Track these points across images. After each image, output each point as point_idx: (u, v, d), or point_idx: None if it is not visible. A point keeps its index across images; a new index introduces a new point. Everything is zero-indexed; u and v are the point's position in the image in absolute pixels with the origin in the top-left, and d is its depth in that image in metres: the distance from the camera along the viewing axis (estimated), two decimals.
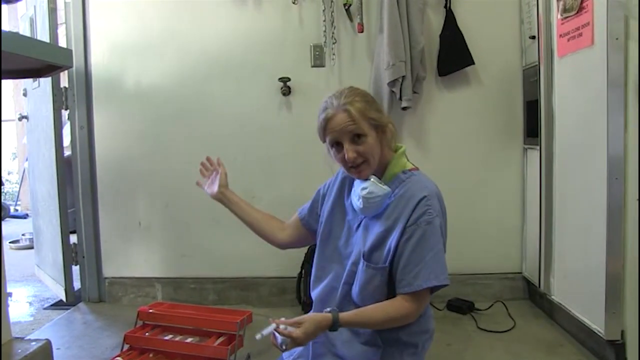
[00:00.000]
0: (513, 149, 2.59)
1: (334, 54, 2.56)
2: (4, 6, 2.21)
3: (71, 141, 2.71)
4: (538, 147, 2.33)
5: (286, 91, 2.58)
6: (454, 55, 2.49)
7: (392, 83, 2.40)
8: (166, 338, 1.93)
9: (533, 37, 2.37)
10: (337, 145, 1.29)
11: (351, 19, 2.54)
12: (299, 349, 1.39)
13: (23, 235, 4.44)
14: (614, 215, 1.78)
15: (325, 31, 2.54)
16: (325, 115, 1.28)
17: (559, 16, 2.10)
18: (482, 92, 2.57)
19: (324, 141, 1.32)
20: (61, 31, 2.64)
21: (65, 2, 2.66)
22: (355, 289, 1.32)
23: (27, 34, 2.75)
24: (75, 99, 2.65)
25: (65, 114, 2.69)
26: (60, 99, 2.60)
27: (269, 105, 2.61)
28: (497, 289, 2.61)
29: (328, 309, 1.24)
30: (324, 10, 2.53)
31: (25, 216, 5.88)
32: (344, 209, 1.42)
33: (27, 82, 3.01)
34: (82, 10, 2.62)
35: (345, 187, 1.43)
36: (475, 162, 2.61)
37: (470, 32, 2.49)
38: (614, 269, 1.78)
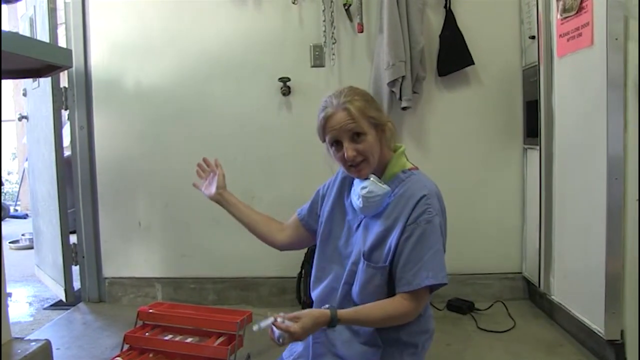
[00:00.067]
0: (513, 149, 2.59)
1: (333, 54, 2.57)
2: (4, 6, 2.22)
3: (71, 141, 2.71)
4: (538, 147, 2.34)
5: (286, 91, 2.58)
6: (453, 55, 2.49)
7: (392, 83, 2.40)
8: (166, 338, 1.93)
9: (533, 37, 2.37)
10: (336, 144, 1.29)
11: (351, 19, 2.55)
12: (299, 349, 1.39)
13: (23, 235, 4.43)
14: (613, 215, 1.78)
15: (325, 31, 2.54)
16: (324, 114, 1.27)
17: (559, 16, 2.10)
18: (482, 92, 2.57)
19: (324, 140, 1.32)
20: (61, 31, 2.64)
21: (65, 2, 2.66)
22: (355, 289, 1.32)
23: (27, 34, 2.75)
24: (75, 99, 2.65)
25: (65, 114, 2.69)
26: (60, 99, 2.60)
27: (269, 105, 2.61)
28: (497, 289, 2.61)
29: (327, 306, 1.23)
30: (323, 10, 2.53)
31: (25, 216, 5.87)
32: (343, 209, 1.42)
33: (27, 82, 3.01)
34: (82, 10, 2.62)
35: (345, 187, 1.43)
36: (475, 162, 2.61)
37: (470, 32, 2.49)
38: (614, 269, 1.78)
